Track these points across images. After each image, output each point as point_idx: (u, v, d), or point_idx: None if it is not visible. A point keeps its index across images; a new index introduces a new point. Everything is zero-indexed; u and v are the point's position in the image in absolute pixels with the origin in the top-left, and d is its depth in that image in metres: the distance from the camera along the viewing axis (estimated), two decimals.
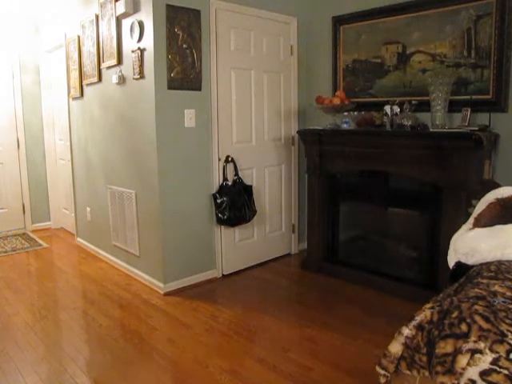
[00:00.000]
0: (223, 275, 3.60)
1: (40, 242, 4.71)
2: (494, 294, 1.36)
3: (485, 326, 1.17)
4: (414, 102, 3.09)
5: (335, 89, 3.81)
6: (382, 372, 1.35)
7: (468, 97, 2.96)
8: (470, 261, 1.83)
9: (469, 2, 2.92)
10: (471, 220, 2.05)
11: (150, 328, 2.75)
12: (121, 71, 3.42)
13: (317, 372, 2.24)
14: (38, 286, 3.50)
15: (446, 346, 1.18)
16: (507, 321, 1.18)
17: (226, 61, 3.44)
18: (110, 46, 3.51)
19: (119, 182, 3.68)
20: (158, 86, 3.06)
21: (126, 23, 3.28)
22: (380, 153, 3.13)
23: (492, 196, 2.05)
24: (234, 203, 3.40)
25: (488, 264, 1.72)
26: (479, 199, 2.12)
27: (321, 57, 3.95)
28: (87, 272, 3.78)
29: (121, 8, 3.21)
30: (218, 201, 3.41)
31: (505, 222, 1.87)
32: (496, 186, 2.20)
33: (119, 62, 3.42)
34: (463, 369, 1.11)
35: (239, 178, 3.52)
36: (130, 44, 3.26)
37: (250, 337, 2.63)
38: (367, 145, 3.21)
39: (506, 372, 1.07)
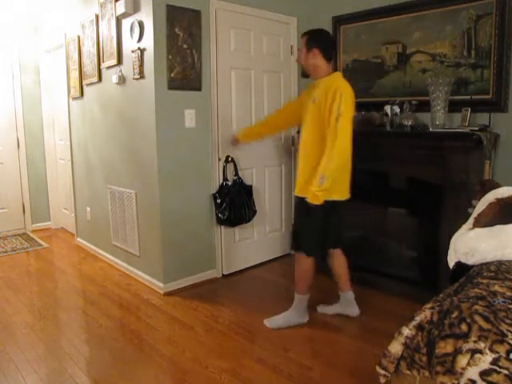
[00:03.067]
0: (223, 275, 3.60)
1: (40, 241, 4.71)
2: (494, 293, 1.36)
3: (485, 325, 1.17)
4: (413, 102, 3.09)
5: None
6: (382, 372, 1.35)
7: (468, 97, 2.96)
8: (470, 261, 1.83)
9: (469, 2, 2.92)
10: (471, 220, 2.05)
11: (150, 328, 2.75)
12: (121, 71, 3.41)
13: (317, 372, 2.24)
14: (38, 286, 3.50)
15: (446, 346, 1.18)
16: (507, 321, 1.18)
17: (225, 61, 3.43)
18: (110, 46, 3.51)
19: (119, 182, 3.68)
20: (158, 86, 3.06)
21: (126, 23, 3.28)
22: (380, 153, 3.13)
23: (492, 196, 2.05)
24: (234, 203, 3.40)
25: (488, 264, 1.72)
26: (479, 199, 2.12)
27: None
28: (87, 272, 3.78)
29: (121, 8, 3.21)
30: (218, 201, 3.41)
31: (505, 222, 1.87)
32: (496, 185, 2.20)
33: (119, 62, 3.41)
34: (463, 369, 1.11)
35: (239, 178, 3.51)
36: (130, 44, 3.25)
37: (250, 337, 2.63)
38: (367, 145, 3.20)
39: (506, 372, 1.07)
